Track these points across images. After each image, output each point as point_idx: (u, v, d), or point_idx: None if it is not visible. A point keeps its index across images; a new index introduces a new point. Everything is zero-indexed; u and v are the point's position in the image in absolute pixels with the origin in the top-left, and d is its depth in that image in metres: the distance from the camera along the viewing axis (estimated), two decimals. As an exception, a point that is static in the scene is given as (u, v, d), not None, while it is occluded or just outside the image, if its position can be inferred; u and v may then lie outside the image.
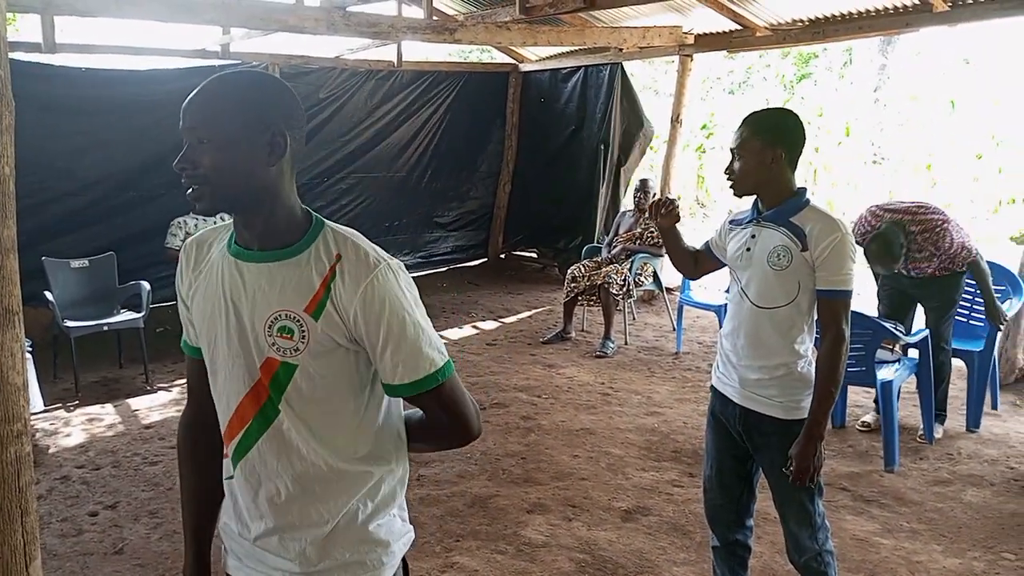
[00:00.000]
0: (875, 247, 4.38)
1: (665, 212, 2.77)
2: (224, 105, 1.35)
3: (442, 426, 1.46)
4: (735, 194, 2.49)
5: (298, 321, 1.37)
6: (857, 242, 4.63)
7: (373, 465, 1.47)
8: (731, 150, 2.46)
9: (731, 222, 2.64)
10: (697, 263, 2.86)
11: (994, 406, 5.14)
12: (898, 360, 4.46)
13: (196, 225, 6.41)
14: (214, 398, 1.50)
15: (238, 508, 1.50)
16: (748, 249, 2.48)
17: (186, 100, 1.36)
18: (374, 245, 1.43)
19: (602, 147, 8.55)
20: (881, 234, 4.37)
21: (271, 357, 1.39)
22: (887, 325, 4.29)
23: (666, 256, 6.96)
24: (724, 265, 2.73)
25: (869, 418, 4.83)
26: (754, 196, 2.51)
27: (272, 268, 1.39)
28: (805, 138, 2.45)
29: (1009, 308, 4.91)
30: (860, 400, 5.16)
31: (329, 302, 1.36)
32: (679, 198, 5.43)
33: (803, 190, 2.44)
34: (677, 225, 2.81)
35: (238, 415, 1.44)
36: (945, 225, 4.37)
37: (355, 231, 1.45)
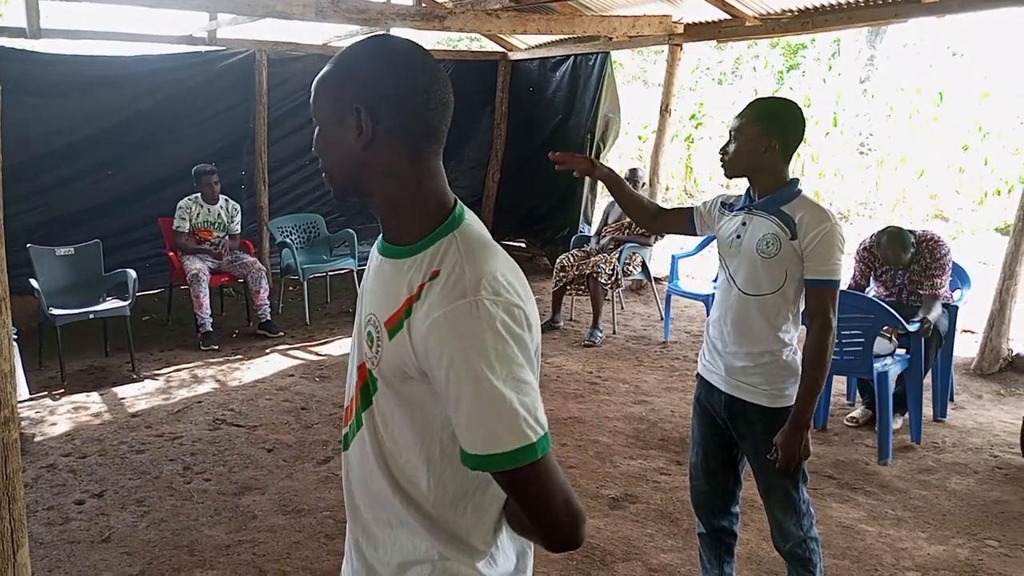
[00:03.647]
0: (886, 238, 4.54)
1: (568, 163, 2.60)
2: (323, 81, 1.23)
3: (522, 516, 1.15)
4: (726, 175, 2.51)
5: (378, 331, 1.17)
6: (864, 248, 4.66)
7: (445, 543, 1.22)
8: (730, 131, 2.48)
9: (723, 204, 2.64)
10: (660, 216, 2.85)
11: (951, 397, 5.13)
12: (892, 353, 4.42)
13: (199, 212, 6.42)
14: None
15: (351, 502, 1.33)
16: (738, 236, 2.49)
17: None
18: (501, 274, 1.13)
19: (589, 136, 8.55)
20: (890, 228, 4.57)
21: (364, 362, 1.22)
22: (890, 310, 4.14)
23: (655, 245, 7.06)
24: (694, 232, 2.73)
25: (857, 413, 4.79)
26: (746, 183, 2.52)
27: (385, 264, 1.22)
28: (804, 134, 2.47)
29: (960, 297, 4.98)
30: (842, 389, 5.19)
31: (406, 323, 1.12)
32: (666, 189, 5.43)
33: (795, 180, 2.46)
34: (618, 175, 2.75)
35: (351, 406, 1.29)
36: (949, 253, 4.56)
37: (498, 249, 1.19)
